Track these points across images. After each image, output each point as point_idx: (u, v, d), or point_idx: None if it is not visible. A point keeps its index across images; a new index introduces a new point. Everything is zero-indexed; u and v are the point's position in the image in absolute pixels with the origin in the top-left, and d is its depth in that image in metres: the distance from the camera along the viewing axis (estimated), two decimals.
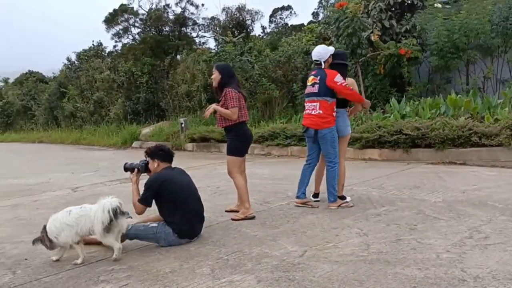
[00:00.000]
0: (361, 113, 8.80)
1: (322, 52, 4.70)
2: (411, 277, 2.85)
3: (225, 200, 5.38)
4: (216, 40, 19.13)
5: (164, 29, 19.52)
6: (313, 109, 4.67)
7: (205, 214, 4.07)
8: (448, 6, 10.30)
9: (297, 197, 4.92)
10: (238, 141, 4.59)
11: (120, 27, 20.21)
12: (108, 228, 3.42)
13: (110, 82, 18.86)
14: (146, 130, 14.78)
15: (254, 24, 22.13)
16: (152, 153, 4.01)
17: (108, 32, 20.43)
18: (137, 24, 20.13)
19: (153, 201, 3.85)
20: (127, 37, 20.55)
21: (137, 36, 20.18)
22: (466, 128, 6.98)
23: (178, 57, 19.33)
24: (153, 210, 4.00)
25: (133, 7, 19.90)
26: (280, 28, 27.36)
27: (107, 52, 23.19)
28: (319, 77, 4.62)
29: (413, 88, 10.31)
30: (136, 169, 4.08)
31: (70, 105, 20.67)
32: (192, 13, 19.80)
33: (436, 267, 2.98)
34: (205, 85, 14.76)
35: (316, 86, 4.62)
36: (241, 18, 20.10)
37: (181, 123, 12.79)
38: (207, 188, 6.17)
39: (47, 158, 13.09)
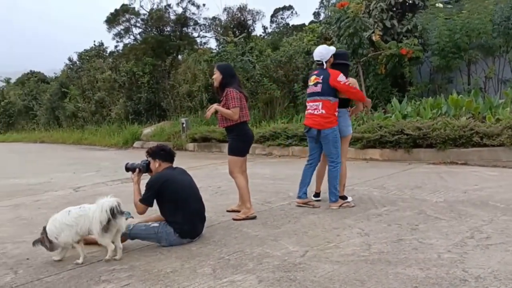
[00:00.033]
0: (362, 113, 8.78)
1: (323, 52, 4.70)
2: (413, 277, 2.85)
3: (226, 200, 5.38)
4: (217, 40, 19.17)
5: (166, 29, 19.56)
6: (315, 109, 4.66)
7: (206, 214, 4.08)
8: (449, 6, 10.30)
9: (299, 197, 4.92)
10: (239, 141, 4.59)
11: (122, 27, 20.28)
12: (106, 228, 3.42)
13: (112, 82, 18.88)
14: (147, 130, 14.79)
15: (255, 24, 22.17)
16: (154, 153, 4.02)
17: (110, 32, 20.54)
18: (138, 24, 20.20)
19: (155, 201, 3.85)
20: (129, 37, 20.64)
21: (138, 36, 20.25)
22: (468, 128, 6.97)
23: (180, 57, 19.34)
24: (154, 210, 4.00)
25: (134, 7, 20.02)
26: (281, 28, 27.38)
27: (108, 52, 23.27)
28: (321, 76, 4.62)
29: (415, 88, 10.29)
30: (137, 169, 4.08)
31: (71, 105, 20.72)
32: (193, 13, 19.89)
33: (438, 267, 2.97)
34: (206, 85, 14.75)
35: (319, 85, 4.62)
36: (242, 18, 20.11)
37: (182, 123, 12.80)
38: (208, 188, 6.17)
39: (49, 158, 13.12)
